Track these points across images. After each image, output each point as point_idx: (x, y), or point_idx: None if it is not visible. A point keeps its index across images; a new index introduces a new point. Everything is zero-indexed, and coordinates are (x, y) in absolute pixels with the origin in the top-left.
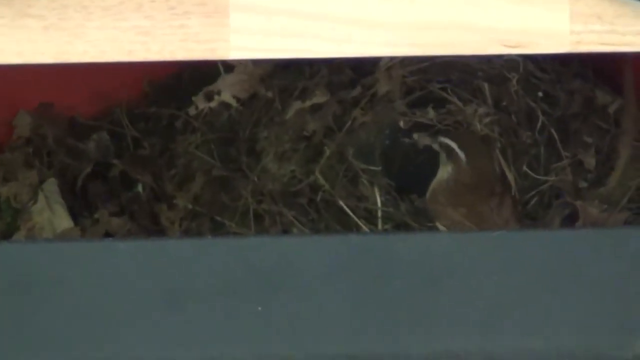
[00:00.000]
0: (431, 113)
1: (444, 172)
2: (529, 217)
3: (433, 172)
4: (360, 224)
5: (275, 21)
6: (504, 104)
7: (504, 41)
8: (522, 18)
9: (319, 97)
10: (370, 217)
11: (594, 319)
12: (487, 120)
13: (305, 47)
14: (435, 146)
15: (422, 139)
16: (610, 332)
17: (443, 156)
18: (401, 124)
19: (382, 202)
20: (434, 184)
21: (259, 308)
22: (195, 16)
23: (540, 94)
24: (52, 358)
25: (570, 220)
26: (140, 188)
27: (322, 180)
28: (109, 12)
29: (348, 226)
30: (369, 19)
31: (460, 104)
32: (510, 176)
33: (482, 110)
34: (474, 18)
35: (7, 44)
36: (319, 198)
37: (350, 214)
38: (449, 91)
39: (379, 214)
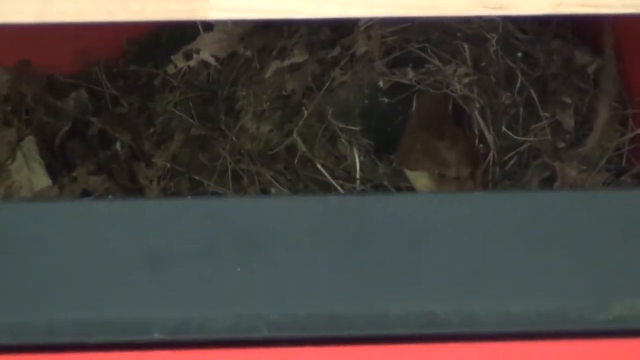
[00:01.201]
0: (410, 73)
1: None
2: (507, 177)
3: None
4: (337, 185)
5: None
6: (483, 64)
7: (485, 3)
8: None
9: (298, 57)
10: (348, 177)
11: (573, 281)
12: (466, 80)
13: (286, 8)
14: None
15: None
16: (590, 294)
17: None
18: (380, 84)
19: (360, 162)
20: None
21: (238, 269)
22: None
23: (519, 54)
24: (30, 319)
25: (549, 181)
26: (118, 146)
27: (300, 143)
28: None
29: (326, 186)
30: None
31: (439, 64)
32: (489, 137)
33: (461, 70)
34: None
35: None
36: (297, 158)
37: (327, 176)
38: (429, 51)
39: (357, 174)
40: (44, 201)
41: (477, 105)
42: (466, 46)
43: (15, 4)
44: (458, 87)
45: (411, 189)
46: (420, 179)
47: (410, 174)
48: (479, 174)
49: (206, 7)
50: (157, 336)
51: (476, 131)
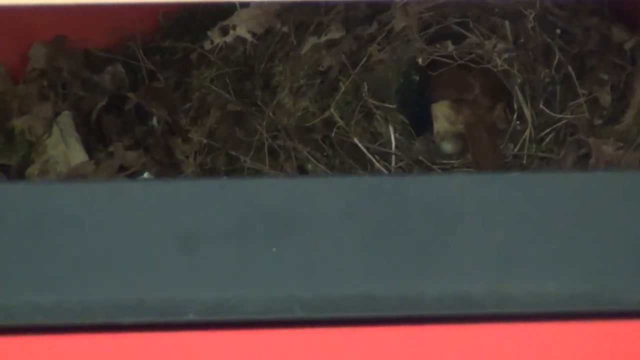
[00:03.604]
0: (451, 47)
1: None
2: (543, 153)
3: None
4: (374, 160)
5: None
6: (522, 40)
7: None
8: None
9: (335, 33)
10: (384, 154)
11: (608, 262)
12: (506, 55)
13: None
14: None
15: None
16: (625, 274)
17: None
18: (419, 60)
19: (396, 139)
20: None
21: (274, 249)
22: None
23: (558, 31)
24: (65, 300)
25: (585, 157)
26: (155, 122)
27: (336, 117)
28: None
29: (362, 163)
30: None
31: (481, 38)
32: (527, 113)
33: (501, 45)
34: None
35: None
36: (333, 134)
37: (365, 151)
38: (470, 26)
39: (393, 151)
40: (79, 181)
41: (518, 81)
42: (507, 22)
43: None
44: (499, 62)
45: (448, 167)
46: (441, 108)
47: (434, 107)
48: (499, 108)
49: None
50: (192, 317)
51: (515, 107)
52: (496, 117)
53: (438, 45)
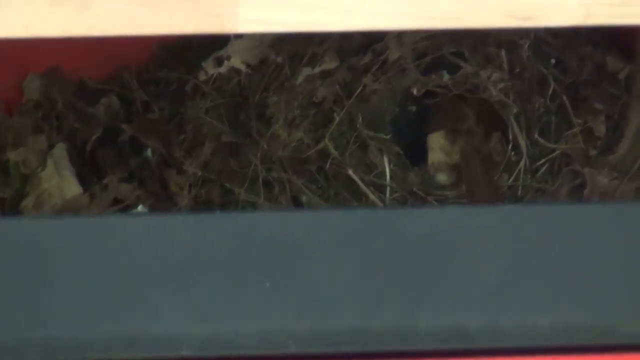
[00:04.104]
0: (446, 77)
1: None
2: (538, 184)
3: None
4: (369, 192)
5: None
6: (517, 70)
7: (514, 14)
8: None
9: (329, 63)
10: (379, 185)
11: (601, 295)
12: (501, 85)
13: (315, 20)
14: None
15: None
16: (618, 307)
17: None
18: (414, 90)
19: (391, 170)
20: None
21: (267, 284)
22: None
23: (553, 60)
24: (58, 335)
25: (580, 188)
26: (149, 153)
27: (331, 148)
28: None
29: (357, 194)
30: None
31: (476, 68)
32: (522, 143)
33: (496, 75)
34: None
35: (14, 18)
36: (328, 165)
37: (359, 182)
38: (465, 55)
39: (388, 182)
40: (72, 216)
41: (514, 111)
42: (503, 52)
43: (44, 18)
44: (494, 92)
45: (442, 198)
46: (436, 139)
47: (429, 138)
48: (495, 139)
49: (235, 19)
50: (185, 352)
51: (510, 137)
52: (492, 149)
53: (433, 76)
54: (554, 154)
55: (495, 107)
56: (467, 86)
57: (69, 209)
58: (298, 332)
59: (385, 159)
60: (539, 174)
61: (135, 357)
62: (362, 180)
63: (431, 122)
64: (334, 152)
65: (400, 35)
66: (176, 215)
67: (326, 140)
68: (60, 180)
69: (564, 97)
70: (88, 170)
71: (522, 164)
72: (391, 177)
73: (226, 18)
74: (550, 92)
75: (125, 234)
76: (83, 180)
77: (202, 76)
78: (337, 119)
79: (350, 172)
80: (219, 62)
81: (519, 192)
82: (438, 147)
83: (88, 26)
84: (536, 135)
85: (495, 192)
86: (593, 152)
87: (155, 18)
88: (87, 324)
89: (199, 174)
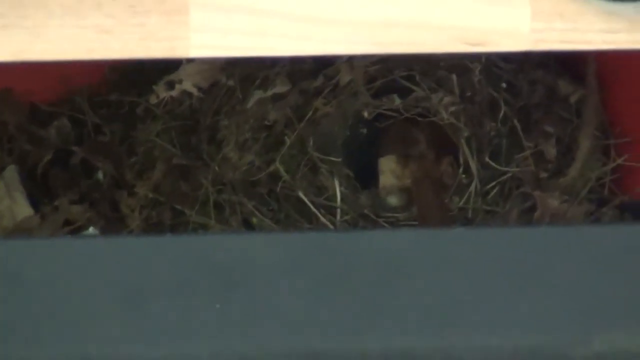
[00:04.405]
0: (397, 101)
1: None
2: (489, 206)
3: None
4: (319, 215)
5: (235, 19)
6: (469, 94)
7: (465, 39)
8: (483, 16)
9: (280, 87)
10: (330, 208)
11: (552, 317)
12: (452, 109)
13: (265, 45)
14: None
15: None
16: (569, 329)
17: None
18: (365, 114)
19: (341, 192)
20: None
21: (217, 305)
22: (155, 14)
23: (504, 84)
24: (7, 354)
25: (530, 211)
26: (100, 175)
27: (282, 171)
28: (69, 10)
29: (308, 216)
30: (328, 16)
31: (427, 92)
32: (473, 166)
33: (447, 99)
34: (435, 16)
35: None
36: (279, 188)
37: (310, 205)
38: (416, 79)
39: (338, 205)
40: (23, 238)
41: (465, 134)
42: (454, 76)
43: None
44: (445, 115)
45: (393, 220)
46: (387, 163)
47: (380, 162)
48: (446, 162)
49: (186, 45)
50: None
51: (461, 160)
52: (443, 172)
53: (384, 99)
54: (504, 177)
55: (447, 130)
56: (418, 110)
57: (20, 230)
58: (248, 354)
59: (336, 182)
60: (490, 196)
61: None
62: (313, 202)
63: (382, 146)
64: (285, 175)
65: (351, 59)
66: (127, 237)
67: (277, 163)
68: (11, 201)
69: (515, 121)
70: (39, 192)
71: (472, 186)
72: (342, 200)
73: (177, 43)
74: (501, 115)
75: (76, 256)
76: (34, 202)
77: (153, 99)
78: (289, 142)
79: (301, 194)
80: (171, 85)
81: (470, 215)
82: (389, 170)
83: (39, 51)
84: (487, 158)
85: (446, 216)
86: (544, 175)
87: (106, 43)
88: (37, 346)
89: (150, 196)
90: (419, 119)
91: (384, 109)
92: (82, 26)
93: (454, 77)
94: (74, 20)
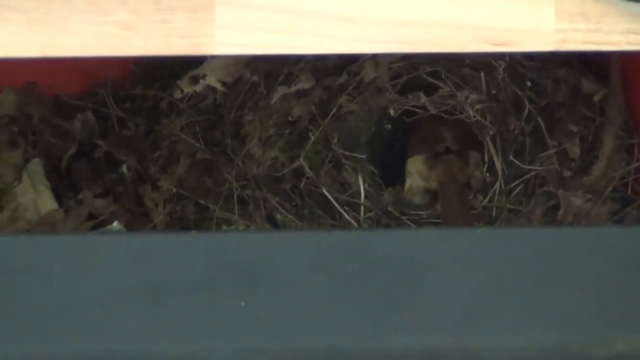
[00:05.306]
0: (423, 98)
1: None
2: (512, 205)
3: None
4: (343, 212)
5: (260, 17)
6: (494, 92)
7: (489, 39)
8: (507, 16)
9: (305, 83)
10: (353, 205)
11: (575, 317)
12: (478, 107)
13: (290, 43)
14: None
15: None
16: (592, 330)
17: None
18: (391, 111)
19: (365, 189)
20: None
21: (242, 303)
22: (180, 11)
23: (528, 83)
24: (31, 352)
25: (554, 209)
26: (124, 169)
27: (306, 167)
28: (94, 6)
29: (331, 213)
30: (353, 15)
31: (453, 88)
32: (497, 164)
33: (473, 96)
34: (459, 15)
35: None
36: (302, 184)
37: (333, 202)
38: (443, 76)
39: (362, 202)
40: (47, 233)
41: (491, 132)
42: (482, 74)
43: (20, 38)
44: (471, 113)
45: (416, 218)
46: (415, 164)
47: (408, 163)
48: (474, 165)
49: (211, 42)
50: None
51: (486, 159)
52: (471, 175)
53: (410, 96)
54: (528, 175)
55: (472, 128)
56: (444, 107)
57: (44, 223)
58: (272, 351)
59: (360, 179)
60: (513, 195)
61: None
62: (337, 199)
63: (410, 146)
64: (308, 171)
65: (375, 56)
66: (151, 234)
67: (301, 159)
68: (35, 195)
69: (539, 119)
70: (63, 185)
71: (497, 185)
72: (366, 197)
73: (202, 40)
74: (525, 113)
75: (100, 252)
76: (58, 195)
77: (177, 94)
78: (313, 138)
79: (325, 191)
80: (195, 80)
81: (494, 213)
82: (416, 172)
83: (64, 47)
84: (511, 157)
85: (469, 222)
86: (567, 174)
87: (130, 40)
88: (61, 342)
89: (174, 190)
90: (445, 116)
91: (410, 106)
92: (106, 22)
93: (482, 75)
94: (98, 17)
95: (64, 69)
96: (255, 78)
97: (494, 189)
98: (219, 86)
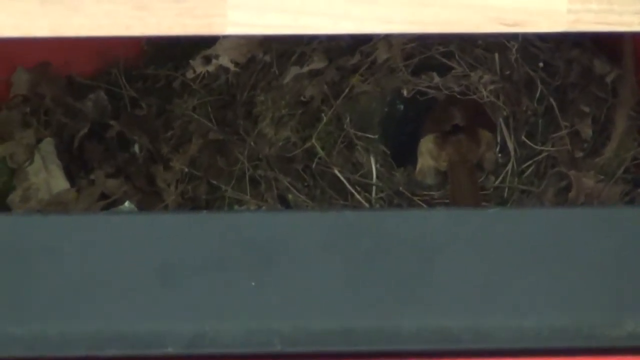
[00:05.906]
0: (436, 78)
1: None
2: (524, 185)
3: None
4: (355, 192)
5: None
6: (507, 72)
7: (502, 20)
8: None
9: (317, 63)
10: (365, 185)
11: (586, 297)
12: (491, 87)
13: (303, 24)
14: None
15: None
16: (603, 310)
17: None
18: (404, 91)
19: (377, 170)
20: None
21: (253, 283)
22: None
23: (541, 64)
24: (43, 331)
25: (566, 190)
26: (136, 149)
27: (318, 148)
28: None
29: (343, 193)
30: None
31: (466, 69)
32: (510, 145)
33: (487, 77)
34: None
35: (3, 17)
36: (314, 164)
37: (345, 182)
38: (456, 57)
39: (374, 182)
40: (59, 213)
41: (504, 113)
42: (496, 54)
43: (32, 18)
44: (484, 93)
45: (428, 199)
46: (425, 144)
47: (420, 143)
48: (486, 144)
49: (223, 22)
50: (170, 350)
51: (498, 139)
52: (483, 157)
53: (423, 76)
54: (540, 156)
55: (485, 109)
56: (457, 87)
57: (56, 203)
58: (284, 330)
59: (372, 159)
60: (525, 175)
61: (121, 354)
62: (348, 179)
63: (423, 127)
64: (320, 152)
65: (388, 37)
66: (163, 213)
67: (313, 139)
68: (47, 174)
69: (551, 100)
70: (75, 165)
71: (509, 166)
72: (377, 177)
73: (214, 20)
74: (537, 94)
75: (111, 232)
76: (70, 175)
77: (190, 74)
78: (325, 119)
79: (337, 171)
80: (207, 60)
81: (505, 194)
82: (427, 151)
83: (77, 27)
84: (523, 137)
85: (478, 203)
86: (579, 155)
87: (143, 19)
88: (73, 321)
89: (186, 170)
90: (459, 96)
91: (423, 87)
92: (119, 2)
93: (496, 55)
94: None
95: (76, 49)
96: (267, 58)
97: (506, 169)
98: (231, 66)
